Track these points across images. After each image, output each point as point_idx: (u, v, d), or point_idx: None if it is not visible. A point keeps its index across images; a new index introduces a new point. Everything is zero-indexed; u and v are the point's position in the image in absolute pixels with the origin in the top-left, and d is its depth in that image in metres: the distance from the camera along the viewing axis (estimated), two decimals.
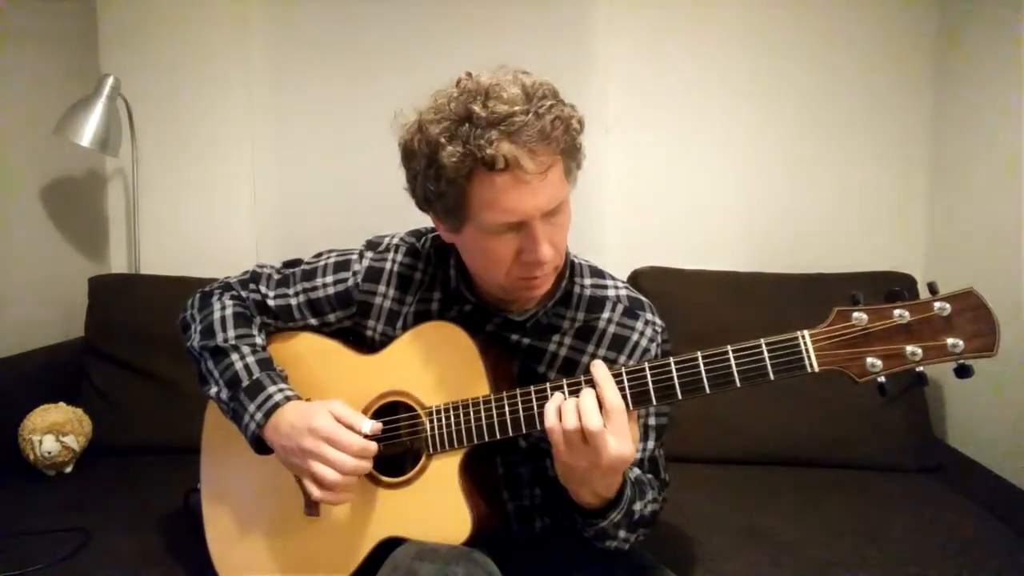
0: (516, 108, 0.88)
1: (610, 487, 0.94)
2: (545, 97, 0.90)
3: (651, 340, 1.10)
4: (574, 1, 2.07)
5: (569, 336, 1.09)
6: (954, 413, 1.89)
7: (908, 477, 1.70)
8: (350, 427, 1.01)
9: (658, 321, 1.12)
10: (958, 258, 1.91)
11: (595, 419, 0.86)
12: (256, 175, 2.19)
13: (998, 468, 1.64)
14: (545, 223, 0.94)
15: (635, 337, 1.09)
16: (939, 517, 1.49)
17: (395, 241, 1.16)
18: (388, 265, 1.14)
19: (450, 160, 0.89)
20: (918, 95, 2.02)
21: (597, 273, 1.14)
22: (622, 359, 1.08)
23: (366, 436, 1.01)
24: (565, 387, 0.94)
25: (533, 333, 1.09)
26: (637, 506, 1.00)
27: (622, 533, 1.00)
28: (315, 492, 1.00)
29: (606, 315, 1.10)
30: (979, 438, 1.77)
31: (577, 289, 1.11)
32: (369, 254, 1.15)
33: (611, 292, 1.12)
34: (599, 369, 0.91)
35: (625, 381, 0.91)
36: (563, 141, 0.91)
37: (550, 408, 0.90)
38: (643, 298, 1.14)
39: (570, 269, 1.11)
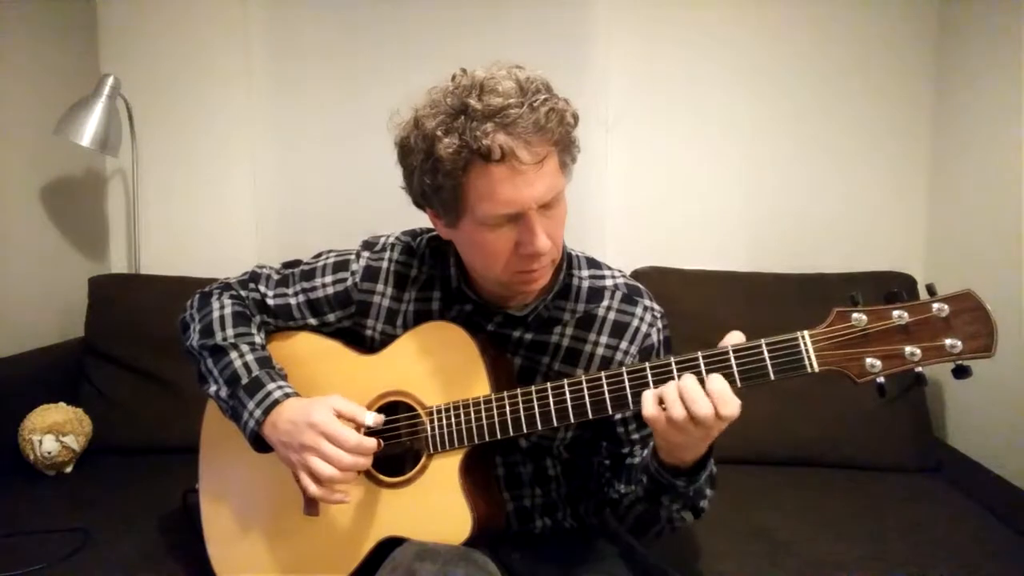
0: (511, 101, 0.89)
1: (710, 440, 0.92)
2: (539, 91, 0.91)
3: (651, 325, 1.10)
4: (574, 0, 2.07)
5: (570, 327, 1.10)
6: (954, 413, 1.89)
7: (908, 477, 1.70)
8: (352, 419, 1.01)
9: (656, 307, 1.13)
10: (958, 258, 1.91)
11: (705, 406, 0.83)
12: (256, 175, 2.19)
13: (998, 468, 1.64)
14: (542, 215, 0.94)
15: (635, 323, 1.10)
16: (939, 517, 1.49)
17: (391, 240, 1.17)
18: (385, 264, 1.14)
19: (447, 152, 0.90)
20: (918, 95, 2.02)
21: (594, 264, 1.15)
22: (623, 345, 1.09)
23: (369, 429, 1.02)
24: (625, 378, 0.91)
25: (535, 327, 1.09)
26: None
27: (709, 491, 1.01)
28: (311, 488, 1.00)
29: (605, 303, 1.10)
30: (979, 438, 1.77)
31: (575, 281, 1.12)
32: (366, 254, 1.16)
33: (609, 282, 1.13)
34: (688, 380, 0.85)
35: (625, 380, 0.92)
36: (557, 133, 0.92)
37: (649, 398, 0.87)
38: (640, 285, 1.14)
39: (567, 262, 1.11)
